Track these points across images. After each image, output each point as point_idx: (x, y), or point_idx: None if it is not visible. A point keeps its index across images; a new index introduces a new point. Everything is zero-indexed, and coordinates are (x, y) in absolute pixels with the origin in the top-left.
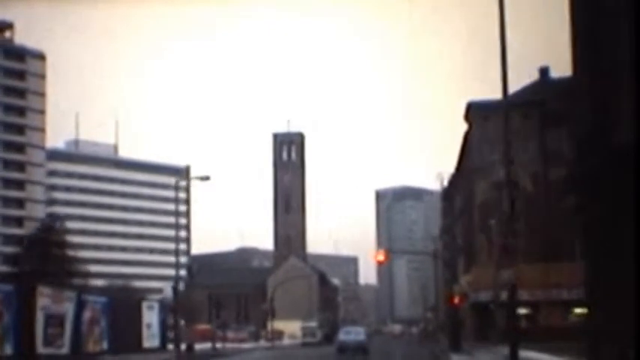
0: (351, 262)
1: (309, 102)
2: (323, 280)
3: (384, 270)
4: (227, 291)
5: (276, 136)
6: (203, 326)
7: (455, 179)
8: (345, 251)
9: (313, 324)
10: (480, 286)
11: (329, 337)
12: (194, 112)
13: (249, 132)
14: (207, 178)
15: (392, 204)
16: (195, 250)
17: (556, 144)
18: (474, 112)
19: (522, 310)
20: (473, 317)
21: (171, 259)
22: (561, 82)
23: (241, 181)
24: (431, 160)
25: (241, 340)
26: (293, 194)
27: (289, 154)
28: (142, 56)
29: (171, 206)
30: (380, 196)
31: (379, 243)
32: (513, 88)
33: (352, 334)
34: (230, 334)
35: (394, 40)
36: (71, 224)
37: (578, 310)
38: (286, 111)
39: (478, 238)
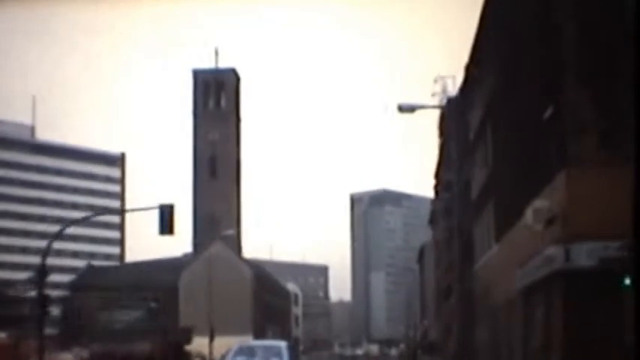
0: (321, 272)
1: (245, 34)
2: (262, 279)
3: (360, 284)
4: (130, 293)
5: (196, 75)
6: None
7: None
8: (312, 259)
9: None
10: (581, 229)
11: None
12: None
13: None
14: None
15: (368, 209)
16: (135, 257)
17: None
18: None
19: None
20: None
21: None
22: None
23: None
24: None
25: None
26: (221, 155)
27: (217, 100)
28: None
29: (99, 201)
30: (355, 200)
31: (354, 253)
32: None
33: None
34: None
35: None
36: None
37: None
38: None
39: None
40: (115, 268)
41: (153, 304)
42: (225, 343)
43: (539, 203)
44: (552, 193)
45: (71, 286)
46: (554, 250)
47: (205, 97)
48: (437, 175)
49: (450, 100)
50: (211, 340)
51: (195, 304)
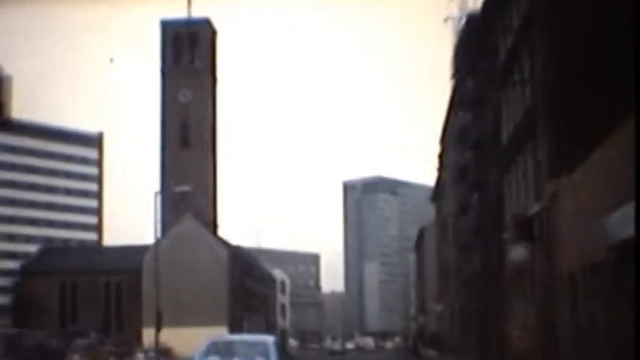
0: (312, 260)
1: None
2: (241, 261)
3: (353, 275)
4: (91, 278)
5: (165, 27)
6: None
7: None
8: (302, 248)
9: None
10: None
11: None
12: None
13: None
14: None
15: (362, 197)
16: (113, 241)
17: None
18: None
19: None
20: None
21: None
22: None
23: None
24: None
25: None
26: (195, 120)
27: (191, 55)
28: None
29: (75, 184)
30: (348, 187)
31: (347, 242)
32: None
33: None
34: None
35: None
36: None
37: None
38: None
39: None
40: (75, 250)
41: None
42: (194, 335)
43: None
44: None
45: (22, 271)
46: None
47: (176, 53)
48: (442, 140)
49: (470, 18)
50: (158, 330)
51: (163, 290)
